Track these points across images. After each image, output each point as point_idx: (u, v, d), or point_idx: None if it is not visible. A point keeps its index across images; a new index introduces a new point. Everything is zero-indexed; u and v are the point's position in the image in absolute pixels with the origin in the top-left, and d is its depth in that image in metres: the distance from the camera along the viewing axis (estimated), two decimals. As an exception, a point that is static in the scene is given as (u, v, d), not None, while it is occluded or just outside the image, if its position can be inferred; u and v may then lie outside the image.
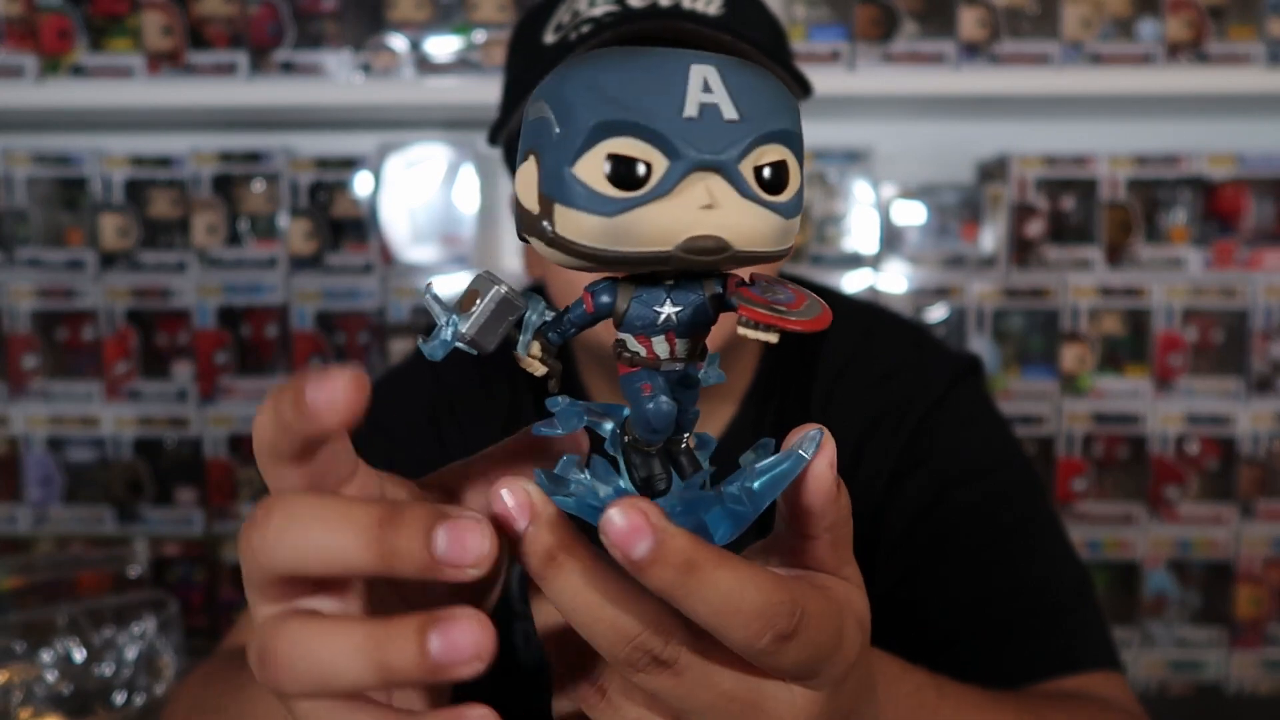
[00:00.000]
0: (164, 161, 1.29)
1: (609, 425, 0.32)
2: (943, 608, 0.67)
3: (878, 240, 1.29)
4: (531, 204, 0.28)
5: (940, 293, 1.28)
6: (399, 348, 1.28)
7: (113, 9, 1.22)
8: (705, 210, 0.27)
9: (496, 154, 0.76)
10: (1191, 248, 1.27)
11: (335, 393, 0.27)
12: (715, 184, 0.27)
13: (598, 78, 0.27)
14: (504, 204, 1.36)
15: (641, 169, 0.26)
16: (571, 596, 0.29)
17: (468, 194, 1.30)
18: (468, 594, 0.34)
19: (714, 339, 0.31)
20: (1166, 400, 1.26)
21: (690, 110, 0.26)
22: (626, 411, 0.32)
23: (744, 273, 0.30)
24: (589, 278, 0.30)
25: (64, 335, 1.31)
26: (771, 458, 0.30)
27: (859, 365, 0.75)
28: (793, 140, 0.28)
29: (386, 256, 1.29)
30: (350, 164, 1.29)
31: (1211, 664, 1.28)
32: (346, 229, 1.31)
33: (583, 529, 0.30)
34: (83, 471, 1.31)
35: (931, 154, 1.34)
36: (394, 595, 0.34)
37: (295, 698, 0.29)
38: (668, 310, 0.30)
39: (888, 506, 0.71)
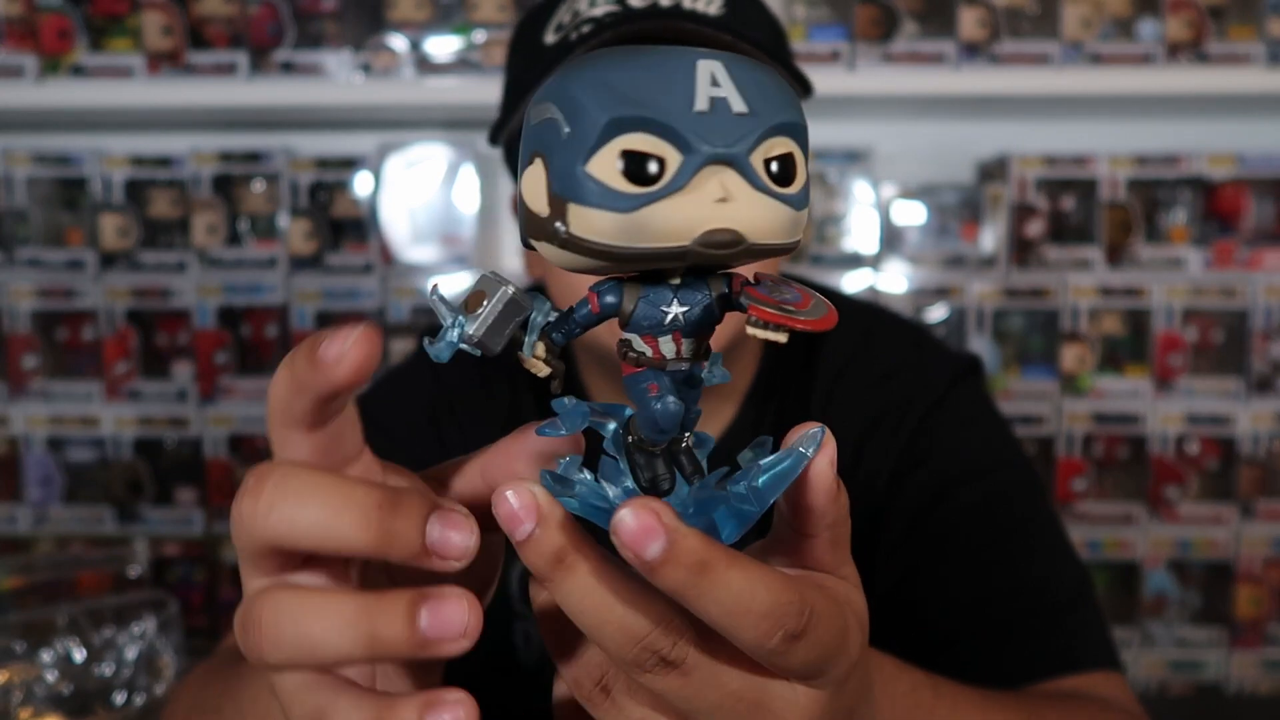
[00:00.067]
0: (164, 161, 1.29)
1: (612, 425, 0.32)
2: (943, 607, 0.67)
3: (878, 240, 1.29)
4: (541, 207, 0.28)
5: (940, 293, 1.28)
6: (399, 348, 1.28)
7: (113, 9, 1.22)
8: (720, 204, 0.26)
9: (497, 154, 0.76)
10: (1191, 248, 1.27)
11: (347, 345, 0.28)
12: (728, 177, 0.27)
13: (606, 76, 0.26)
14: (504, 204, 1.36)
15: (655, 165, 0.26)
16: (580, 598, 0.29)
17: (468, 194, 1.30)
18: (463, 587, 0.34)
19: (717, 338, 0.31)
20: (1166, 400, 1.26)
21: (701, 104, 0.26)
22: (629, 412, 0.31)
23: (748, 272, 0.30)
24: (590, 279, 0.30)
25: (64, 335, 1.31)
26: (773, 455, 0.30)
27: (859, 365, 0.75)
28: (799, 133, 0.28)
29: (386, 256, 1.29)
30: (350, 164, 1.29)
31: (1211, 664, 1.28)
32: (346, 229, 1.31)
33: (586, 529, 0.30)
34: (83, 471, 1.31)
35: (931, 154, 1.34)
36: (388, 584, 0.34)
37: (278, 667, 0.30)
38: (675, 310, 0.29)
39: (888, 506, 0.71)
